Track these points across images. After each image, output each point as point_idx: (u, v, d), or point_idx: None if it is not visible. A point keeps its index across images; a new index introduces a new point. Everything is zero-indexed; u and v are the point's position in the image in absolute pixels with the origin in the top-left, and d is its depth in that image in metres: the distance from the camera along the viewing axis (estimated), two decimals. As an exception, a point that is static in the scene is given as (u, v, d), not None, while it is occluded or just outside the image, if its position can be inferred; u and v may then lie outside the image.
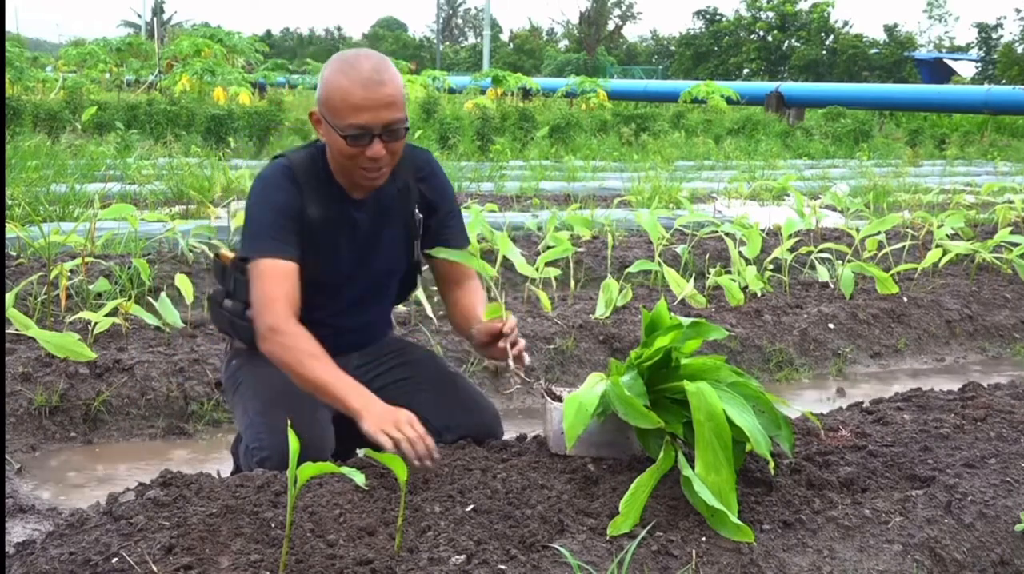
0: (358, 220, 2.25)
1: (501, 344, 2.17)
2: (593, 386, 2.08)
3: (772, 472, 2.06)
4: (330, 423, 2.26)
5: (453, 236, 2.36)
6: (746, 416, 1.93)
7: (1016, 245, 5.20)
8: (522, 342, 2.21)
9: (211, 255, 4.67)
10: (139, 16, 54.48)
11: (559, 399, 2.24)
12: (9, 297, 3.43)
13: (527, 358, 2.20)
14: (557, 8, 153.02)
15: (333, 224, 2.21)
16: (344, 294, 2.30)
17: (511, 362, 2.17)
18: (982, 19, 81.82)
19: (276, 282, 2.10)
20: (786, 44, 49.06)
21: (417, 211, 2.32)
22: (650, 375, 2.07)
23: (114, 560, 1.69)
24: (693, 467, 1.90)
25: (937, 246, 5.23)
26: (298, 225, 2.15)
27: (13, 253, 4.59)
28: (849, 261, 4.76)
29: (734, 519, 1.84)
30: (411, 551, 1.74)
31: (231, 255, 2.36)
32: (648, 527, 1.83)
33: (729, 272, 4.75)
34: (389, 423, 1.95)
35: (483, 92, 24.09)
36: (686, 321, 2.10)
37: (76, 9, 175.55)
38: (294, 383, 2.22)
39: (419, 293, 3.83)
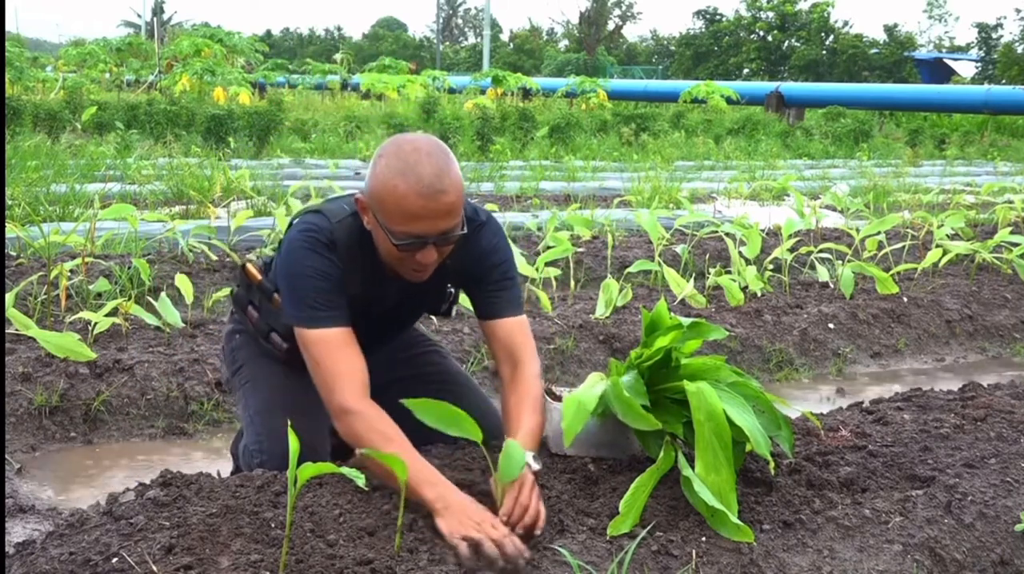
0: (387, 295, 2.17)
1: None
2: (593, 386, 2.08)
3: (772, 472, 2.06)
4: (327, 424, 2.26)
5: (500, 308, 2.16)
6: (746, 416, 1.93)
7: (1016, 245, 5.20)
8: (526, 520, 1.83)
9: (213, 257, 4.68)
10: (139, 16, 54.53)
11: (559, 399, 2.24)
12: (9, 297, 3.42)
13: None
14: (557, 8, 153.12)
15: (364, 299, 2.11)
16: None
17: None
18: (982, 19, 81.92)
19: (338, 356, 1.97)
20: (786, 44, 49.03)
21: (450, 287, 2.21)
22: (650, 375, 2.07)
23: (114, 560, 1.69)
24: (693, 467, 1.90)
25: (937, 246, 5.23)
26: (341, 290, 2.03)
27: (13, 253, 4.59)
28: (849, 261, 4.76)
29: (734, 519, 1.84)
30: (411, 551, 1.74)
31: (258, 275, 2.28)
32: (648, 527, 1.83)
33: (729, 272, 4.75)
34: (470, 525, 1.76)
35: (483, 92, 24.11)
36: (686, 321, 2.10)
37: (76, 9, 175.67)
38: (307, 381, 2.22)
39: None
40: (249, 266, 2.32)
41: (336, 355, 1.98)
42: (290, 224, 2.15)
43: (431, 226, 1.90)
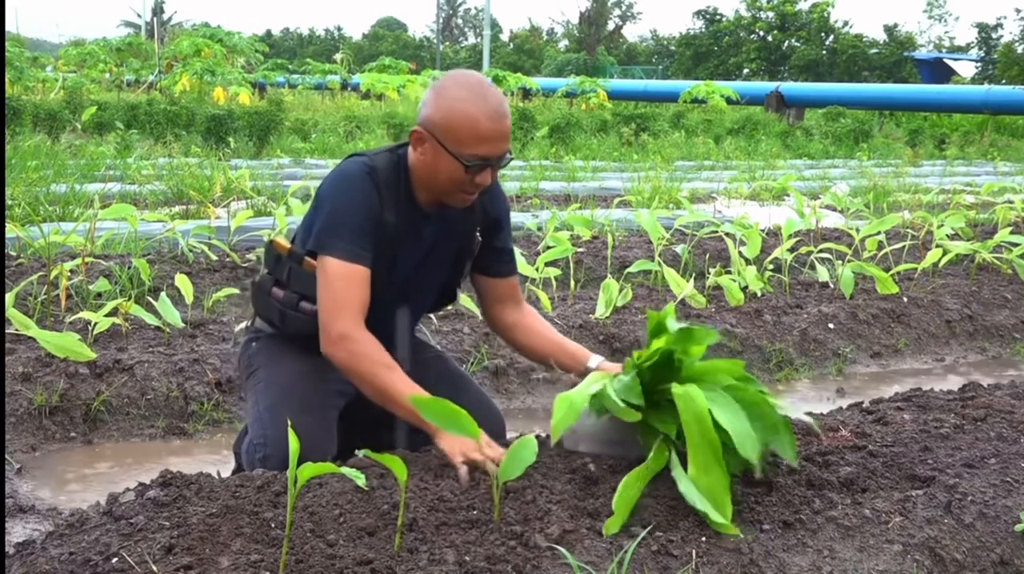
0: (424, 233, 2.25)
1: None
2: (589, 385, 2.08)
3: (769, 473, 2.05)
4: (335, 425, 2.27)
5: (512, 268, 2.43)
6: (734, 420, 1.92)
7: (1016, 245, 5.20)
8: None
9: (213, 257, 4.68)
10: (139, 16, 54.47)
11: None
12: (9, 297, 3.42)
13: None
14: (557, 8, 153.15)
15: (402, 234, 2.20)
16: (386, 302, 2.26)
17: None
18: (982, 19, 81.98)
19: (350, 287, 2.09)
20: (786, 44, 48.99)
21: (478, 232, 2.32)
22: (652, 376, 2.07)
23: (114, 560, 1.69)
24: (686, 468, 1.91)
25: (937, 246, 5.22)
26: (375, 231, 2.14)
27: (13, 253, 4.59)
28: (849, 261, 4.76)
29: (717, 518, 1.84)
30: (411, 551, 1.74)
31: (287, 244, 2.31)
32: (648, 527, 1.83)
33: (729, 272, 4.75)
34: (470, 446, 1.99)
35: (483, 92, 24.03)
36: (678, 325, 2.10)
37: (76, 9, 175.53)
38: (320, 382, 2.24)
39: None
40: (277, 239, 2.36)
41: (350, 287, 2.09)
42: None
43: (496, 147, 2.10)
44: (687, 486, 1.87)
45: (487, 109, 2.05)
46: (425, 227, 2.25)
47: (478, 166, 2.08)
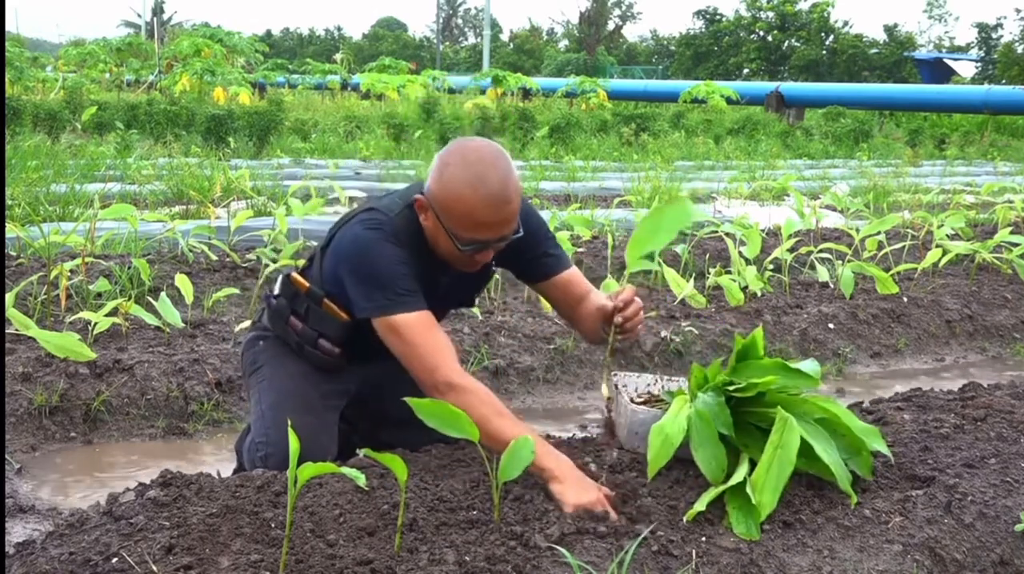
0: (440, 280, 2.24)
1: (617, 319, 2.15)
2: (678, 413, 2.07)
3: (852, 505, 2.03)
4: (336, 425, 2.27)
5: (557, 264, 2.33)
6: (832, 454, 2.00)
7: (1016, 245, 5.20)
8: (635, 311, 2.17)
9: (213, 257, 4.67)
10: (139, 16, 54.48)
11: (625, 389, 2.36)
12: (9, 297, 3.42)
13: (639, 331, 2.20)
14: (557, 8, 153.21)
15: (422, 284, 2.17)
16: None
17: (611, 338, 2.17)
18: (982, 19, 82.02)
19: (432, 334, 2.04)
20: (786, 44, 49.01)
21: (494, 264, 2.29)
22: (736, 401, 2.10)
23: (114, 560, 1.69)
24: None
25: (937, 246, 5.22)
26: (416, 275, 2.10)
27: (13, 253, 4.58)
28: (849, 261, 4.76)
29: (752, 531, 1.87)
30: (411, 551, 1.74)
31: (305, 283, 2.29)
32: (650, 527, 1.84)
33: (729, 272, 4.75)
34: (586, 502, 1.87)
35: (483, 92, 24.11)
36: (787, 364, 2.14)
37: (76, 9, 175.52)
38: (322, 382, 2.24)
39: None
40: (294, 275, 2.33)
41: (430, 334, 2.04)
42: (339, 226, 2.20)
43: (495, 232, 2.04)
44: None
45: (487, 195, 1.97)
46: (442, 276, 2.23)
47: (473, 249, 2.05)
